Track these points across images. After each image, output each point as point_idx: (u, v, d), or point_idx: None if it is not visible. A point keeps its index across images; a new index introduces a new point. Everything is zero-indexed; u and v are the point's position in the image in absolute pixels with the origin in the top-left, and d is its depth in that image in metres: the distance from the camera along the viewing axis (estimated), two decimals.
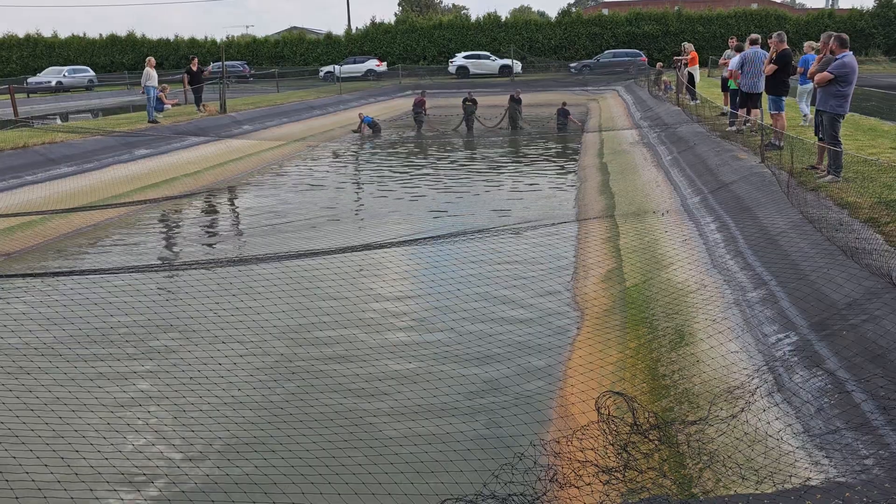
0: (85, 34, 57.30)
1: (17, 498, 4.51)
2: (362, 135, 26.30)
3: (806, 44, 13.37)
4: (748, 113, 13.86)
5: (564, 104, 26.17)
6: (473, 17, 55.40)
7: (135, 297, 8.68)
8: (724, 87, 17.90)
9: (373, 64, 49.14)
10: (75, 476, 4.78)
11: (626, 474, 4.37)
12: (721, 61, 18.45)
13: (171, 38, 56.69)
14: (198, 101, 24.35)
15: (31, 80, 45.25)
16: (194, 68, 23.69)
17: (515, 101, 27.05)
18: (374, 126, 26.63)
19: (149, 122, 21.29)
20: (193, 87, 23.89)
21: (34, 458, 4.97)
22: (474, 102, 26.95)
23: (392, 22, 56.28)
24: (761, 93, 13.59)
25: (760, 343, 5.67)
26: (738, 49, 15.06)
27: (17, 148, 15.70)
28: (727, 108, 16.51)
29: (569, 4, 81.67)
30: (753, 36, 13.93)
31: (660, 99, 25.87)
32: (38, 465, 4.87)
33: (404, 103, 34.27)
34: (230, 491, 4.91)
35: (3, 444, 5.30)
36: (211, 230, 13.74)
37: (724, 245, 8.25)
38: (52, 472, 4.74)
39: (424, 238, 11.01)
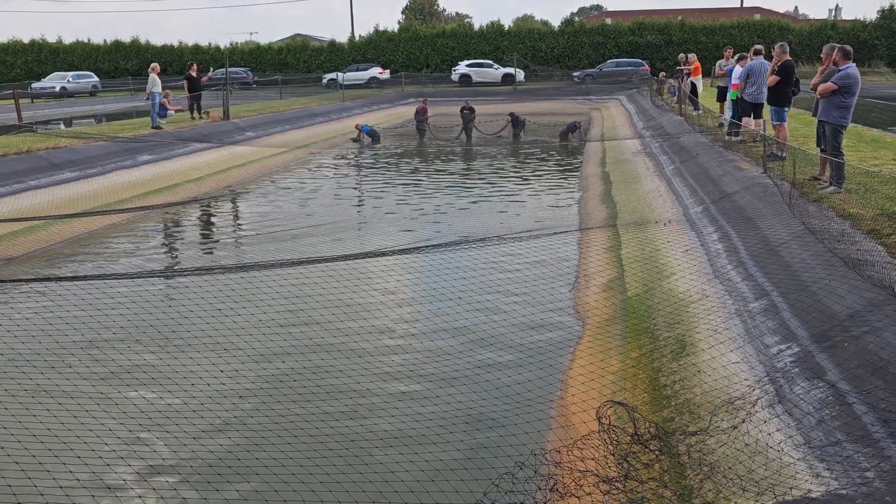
0: (89, 40, 57.80)
1: None
2: (361, 143, 26.37)
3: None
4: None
5: (577, 122, 25.99)
6: (476, 26, 55.54)
7: (136, 303, 8.68)
8: (720, 98, 17.97)
9: (376, 71, 49.25)
10: (77, 481, 4.78)
11: (627, 484, 4.37)
12: (717, 72, 18.48)
13: (175, 44, 56.98)
14: (197, 107, 24.34)
15: (35, 85, 45.37)
16: (194, 74, 23.73)
17: (514, 120, 27.02)
18: (373, 135, 26.71)
19: (152, 127, 21.36)
20: (192, 93, 23.90)
21: (34, 460, 4.97)
22: (472, 111, 26.97)
23: (395, 30, 56.47)
24: (763, 103, 13.63)
25: (762, 354, 5.67)
26: (740, 60, 15.08)
27: (21, 153, 15.76)
28: (724, 119, 16.57)
29: (572, 14, 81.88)
30: (757, 47, 13.97)
31: (662, 108, 25.90)
32: (38, 468, 4.87)
33: (407, 111, 34.35)
34: (231, 499, 4.90)
35: (4, 444, 5.30)
36: (213, 236, 13.76)
37: (725, 255, 8.25)
38: (53, 478, 4.74)
39: (425, 246, 11.02)
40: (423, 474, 4.96)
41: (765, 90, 13.17)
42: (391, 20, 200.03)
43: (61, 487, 4.66)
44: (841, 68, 9.28)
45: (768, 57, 13.29)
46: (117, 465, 5.31)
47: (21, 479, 4.74)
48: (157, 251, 12.42)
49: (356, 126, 27.17)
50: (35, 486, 4.64)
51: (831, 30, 48.94)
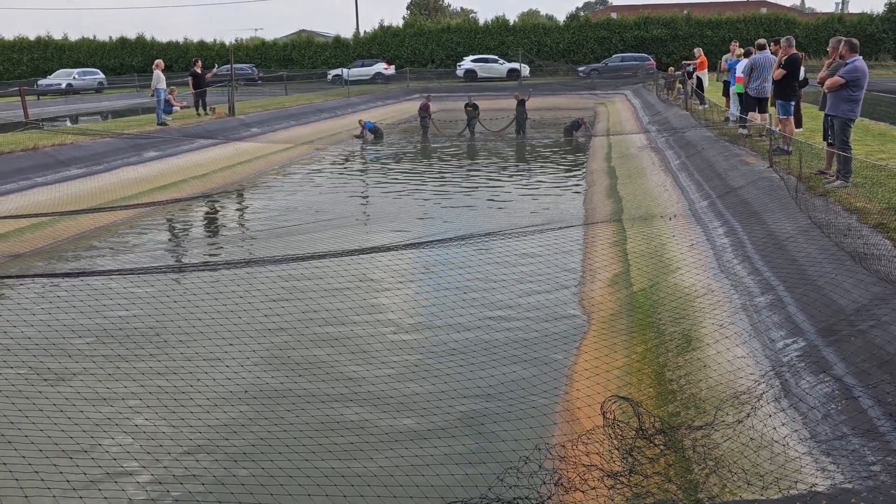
0: (95, 37, 57.73)
1: (26, 497, 4.53)
2: (365, 140, 26.38)
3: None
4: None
5: (581, 119, 25.91)
6: (482, 21, 55.60)
7: (142, 299, 8.71)
8: (726, 92, 17.93)
9: (381, 67, 49.18)
10: (83, 475, 4.80)
11: (632, 479, 4.36)
12: (722, 67, 18.45)
13: (181, 40, 57.06)
14: (202, 104, 24.29)
15: (41, 82, 45.46)
16: (198, 70, 23.68)
17: (521, 105, 27.01)
18: (376, 131, 26.70)
19: (158, 124, 21.39)
20: (197, 90, 23.84)
21: (41, 454, 4.99)
22: (475, 107, 26.93)
23: (400, 25, 56.39)
24: (768, 97, 13.57)
25: (767, 348, 5.65)
26: (747, 54, 15.03)
27: (28, 150, 15.79)
28: (731, 113, 16.50)
29: (577, 8, 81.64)
30: (760, 41, 13.92)
31: (668, 103, 25.82)
32: (46, 461, 4.89)
33: (412, 106, 34.29)
34: (237, 492, 4.91)
35: (10, 440, 5.33)
36: (218, 232, 13.79)
37: (731, 250, 8.23)
38: (60, 472, 4.76)
39: (430, 241, 11.02)
40: (429, 468, 4.97)
41: (768, 85, 13.11)
42: (396, 16, 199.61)
43: (68, 481, 4.68)
44: (848, 62, 9.21)
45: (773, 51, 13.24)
46: (123, 459, 5.33)
47: (28, 472, 4.77)
48: (162, 247, 12.45)
49: (359, 122, 27.17)
50: (42, 479, 4.66)
51: (838, 23, 48.66)
